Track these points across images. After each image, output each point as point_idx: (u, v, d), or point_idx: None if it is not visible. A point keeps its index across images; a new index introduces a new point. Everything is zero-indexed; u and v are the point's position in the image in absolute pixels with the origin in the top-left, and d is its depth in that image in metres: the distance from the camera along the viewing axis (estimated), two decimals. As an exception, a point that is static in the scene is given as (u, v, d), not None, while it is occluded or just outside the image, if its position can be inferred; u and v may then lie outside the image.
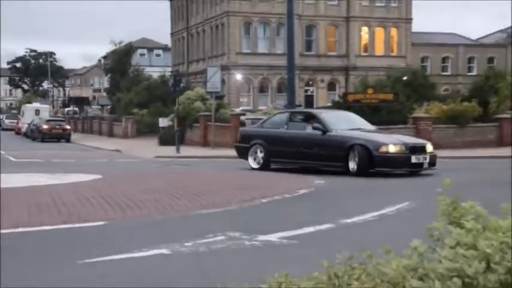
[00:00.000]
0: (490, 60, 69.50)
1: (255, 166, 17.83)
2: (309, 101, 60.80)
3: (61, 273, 5.88)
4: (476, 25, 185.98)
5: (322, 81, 63.99)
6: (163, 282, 5.26)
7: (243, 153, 18.60)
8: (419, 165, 16.04)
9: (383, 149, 15.68)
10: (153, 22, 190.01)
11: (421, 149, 16.31)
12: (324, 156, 16.69)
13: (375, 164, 15.66)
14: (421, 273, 2.37)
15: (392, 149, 15.81)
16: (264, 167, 17.54)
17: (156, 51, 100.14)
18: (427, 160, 16.09)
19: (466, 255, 2.34)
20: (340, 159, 16.10)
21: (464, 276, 2.22)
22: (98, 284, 5.43)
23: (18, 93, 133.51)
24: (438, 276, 2.26)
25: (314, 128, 17.09)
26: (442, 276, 2.26)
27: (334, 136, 16.63)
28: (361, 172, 15.47)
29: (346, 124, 17.73)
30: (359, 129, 17.41)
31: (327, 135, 16.65)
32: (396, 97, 32.36)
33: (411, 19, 66.41)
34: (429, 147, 16.65)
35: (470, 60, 70.83)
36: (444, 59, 70.13)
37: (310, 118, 18.12)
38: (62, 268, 6.08)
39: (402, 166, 16.01)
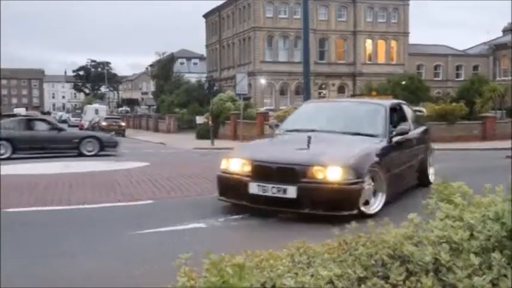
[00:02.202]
0: (475, 67, 68.55)
1: None
2: (322, 102, 60.43)
3: (117, 242, 5.97)
4: (463, 38, 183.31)
5: (333, 85, 63.66)
6: (201, 250, 5.31)
7: None
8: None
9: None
10: (191, 36, 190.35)
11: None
12: None
13: None
14: (416, 240, 2.38)
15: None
16: None
17: (193, 60, 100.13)
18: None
19: (454, 225, 2.36)
20: None
21: (451, 242, 2.23)
22: (148, 251, 5.51)
23: (81, 96, 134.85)
24: (430, 243, 2.27)
25: None
26: (433, 242, 2.27)
27: None
28: None
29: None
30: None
31: None
32: (396, 98, 32.10)
33: (408, 33, 65.77)
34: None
35: (458, 67, 69.93)
36: (436, 67, 69.33)
37: None
38: (117, 238, 6.17)
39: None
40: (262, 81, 59.58)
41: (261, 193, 6.95)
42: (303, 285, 2.07)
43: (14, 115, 63.17)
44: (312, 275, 2.15)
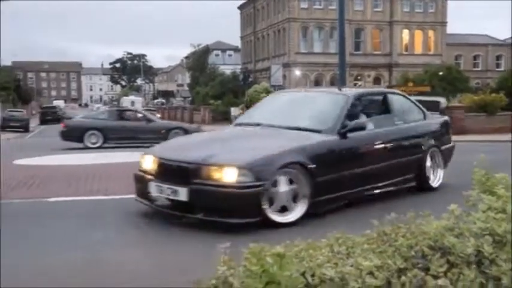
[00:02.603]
0: (516, 57, 66.98)
1: None
2: (357, 93, 59.95)
3: (158, 234, 6.04)
4: (503, 27, 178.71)
5: (368, 76, 63.03)
6: (240, 241, 5.35)
7: None
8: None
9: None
10: (226, 28, 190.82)
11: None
12: None
13: None
14: (457, 232, 2.35)
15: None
16: None
17: (228, 52, 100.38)
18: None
19: (496, 217, 2.32)
20: None
21: (494, 235, 2.20)
22: (188, 238, 5.55)
23: (118, 88, 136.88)
24: (472, 234, 2.24)
25: None
26: (475, 234, 2.24)
27: None
28: None
29: None
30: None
31: None
32: (433, 89, 31.62)
33: (446, 22, 64.54)
34: None
35: (498, 57, 68.43)
36: (475, 57, 67.98)
37: None
38: (158, 227, 6.23)
39: None
40: (297, 72, 59.39)
41: (158, 194, 6.27)
42: (343, 275, 2.07)
43: (54, 107, 64.38)
44: (352, 265, 2.15)
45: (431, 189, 8.23)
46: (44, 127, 47.00)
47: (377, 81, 62.83)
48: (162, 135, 19.60)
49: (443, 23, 64.33)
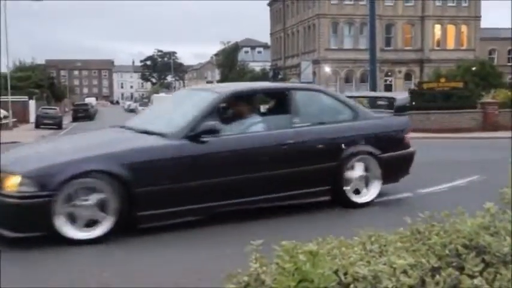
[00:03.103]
0: (553, 51, 65.39)
1: None
2: (388, 89, 59.37)
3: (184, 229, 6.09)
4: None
5: (399, 72, 62.34)
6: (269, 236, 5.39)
7: None
8: None
9: None
10: (256, 24, 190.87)
11: None
12: None
13: None
14: (493, 230, 2.32)
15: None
16: None
17: (258, 49, 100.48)
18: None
19: (534, 216, 2.27)
20: None
21: (532, 233, 2.16)
22: (217, 237, 5.58)
23: (148, 85, 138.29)
24: (508, 233, 2.21)
25: None
26: (512, 233, 2.20)
27: None
28: None
29: None
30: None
31: None
32: (466, 85, 31.11)
33: (480, 17, 63.38)
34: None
35: (533, 51, 66.91)
36: (510, 51, 66.56)
37: None
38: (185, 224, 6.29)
39: None
40: (327, 69, 59.06)
41: None
42: (376, 274, 2.06)
43: (86, 104, 65.36)
44: (385, 264, 2.14)
45: (355, 205, 6.88)
46: (76, 124, 47.80)
47: (408, 77, 62.11)
48: None
49: (477, 17, 63.18)
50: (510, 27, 69.35)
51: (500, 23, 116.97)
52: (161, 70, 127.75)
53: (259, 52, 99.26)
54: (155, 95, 70.77)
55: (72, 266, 4.72)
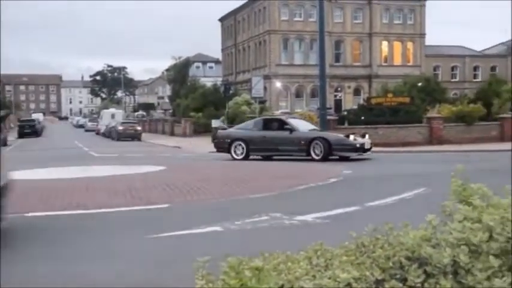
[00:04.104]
0: (493, 68, 68.08)
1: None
2: (338, 104, 60.41)
3: (134, 246, 6.00)
4: (480, 38, 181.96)
5: (349, 87, 63.54)
6: (218, 253, 5.33)
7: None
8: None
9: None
10: (207, 40, 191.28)
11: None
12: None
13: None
14: (434, 242, 2.37)
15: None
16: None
17: (209, 64, 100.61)
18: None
19: (472, 227, 2.34)
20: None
21: (470, 245, 2.22)
22: (165, 254, 5.53)
23: (98, 101, 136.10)
24: (449, 245, 2.26)
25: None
26: (452, 244, 2.26)
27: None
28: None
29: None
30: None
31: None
32: (412, 100, 31.94)
33: (425, 34, 65.45)
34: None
35: (475, 68, 69.51)
36: (453, 68, 68.93)
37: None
38: (134, 242, 6.20)
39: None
40: (278, 84, 59.62)
41: None
42: (321, 288, 2.07)
43: (33, 120, 63.42)
44: (330, 278, 2.16)
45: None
46: (22, 141, 46.41)
47: (357, 92, 63.37)
48: (304, 146, 18.42)
49: (422, 35, 65.23)
50: (453, 45, 71.89)
51: (444, 40, 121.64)
52: (111, 85, 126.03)
53: (211, 67, 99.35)
54: (105, 110, 69.81)
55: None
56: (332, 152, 18.03)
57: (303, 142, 18.45)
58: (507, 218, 2.35)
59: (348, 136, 18.69)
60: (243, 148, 19.54)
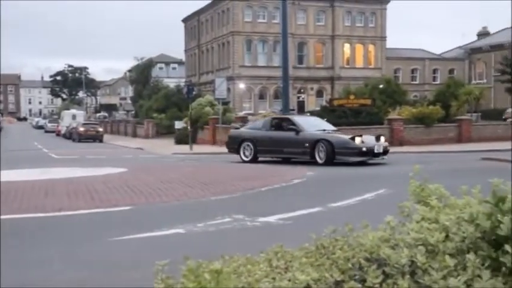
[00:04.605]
0: (451, 71, 69.66)
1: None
2: (301, 105, 60.80)
3: (94, 249, 5.91)
4: (439, 42, 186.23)
5: (311, 89, 64.01)
6: (180, 255, 5.28)
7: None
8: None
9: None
10: (170, 40, 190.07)
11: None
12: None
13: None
14: (393, 243, 2.39)
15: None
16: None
17: (172, 65, 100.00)
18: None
19: (430, 227, 2.37)
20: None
21: (427, 245, 2.25)
22: (126, 257, 5.46)
23: (58, 101, 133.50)
24: (406, 245, 2.29)
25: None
26: (409, 245, 2.28)
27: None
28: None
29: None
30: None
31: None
32: (373, 102, 32.41)
33: (385, 37, 66.48)
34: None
35: (434, 71, 70.97)
36: (413, 70, 70.21)
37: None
38: (96, 244, 6.11)
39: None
40: (241, 85, 59.65)
41: None
42: (280, 290, 2.07)
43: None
44: (290, 280, 2.16)
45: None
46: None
47: (320, 94, 63.91)
48: (306, 149, 16.92)
49: (383, 38, 66.22)
50: (414, 48, 73.24)
51: (404, 44, 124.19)
52: (72, 86, 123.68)
53: (174, 68, 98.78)
54: (65, 111, 68.54)
55: None
56: (335, 156, 16.39)
57: (307, 144, 16.84)
58: (462, 218, 2.40)
59: (353, 138, 16.67)
60: (251, 149, 18.30)
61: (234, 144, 18.94)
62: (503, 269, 2.05)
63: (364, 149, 16.49)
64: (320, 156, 16.61)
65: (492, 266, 2.08)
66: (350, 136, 17.08)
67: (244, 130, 19.91)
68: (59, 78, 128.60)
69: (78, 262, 5.35)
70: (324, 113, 36.12)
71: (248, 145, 18.37)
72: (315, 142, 16.73)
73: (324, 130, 18.02)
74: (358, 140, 16.59)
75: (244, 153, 18.48)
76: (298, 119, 18.80)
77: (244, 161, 18.11)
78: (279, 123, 18.49)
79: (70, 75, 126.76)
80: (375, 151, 16.77)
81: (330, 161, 16.35)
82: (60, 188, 10.70)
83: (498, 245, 2.15)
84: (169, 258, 2.41)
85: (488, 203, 2.35)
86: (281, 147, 17.66)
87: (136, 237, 6.34)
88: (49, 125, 71.17)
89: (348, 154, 16.43)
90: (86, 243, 6.19)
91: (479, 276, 2.01)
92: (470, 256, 2.10)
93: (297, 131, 17.40)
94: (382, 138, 17.63)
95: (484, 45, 67.48)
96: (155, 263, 2.33)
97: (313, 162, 16.67)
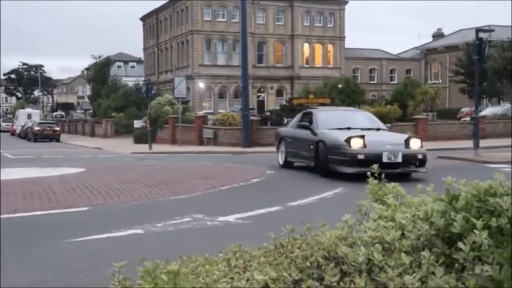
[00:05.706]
0: (408, 71, 71.09)
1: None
2: (261, 105, 60.96)
3: (50, 251, 5.78)
4: (396, 42, 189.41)
5: (271, 88, 64.27)
6: (138, 256, 5.22)
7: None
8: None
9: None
10: (128, 39, 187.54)
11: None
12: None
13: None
14: (350, 241, 2.42)
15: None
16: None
17: (131, 64, 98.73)
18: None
19: (386, 226, 2.41)
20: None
21: (384, 243, 2.28)
22: (83, 259, 5.36)
23: (13, 100, 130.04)
24: (364, 243, 2.31)
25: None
26: (366, 243, 2.31)
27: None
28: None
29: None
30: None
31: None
32: (332, 101, 32.72)
33: (344, 37, 67.28)
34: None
35: (392, 71, 72.27)
36: (371, 70, 71.34)
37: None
38: (52, 246, 5.97)
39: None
40: (201, 84, 59.41)
41: None
42: (238, 290, 2.06)
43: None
44: (248, 280, 2.15)
45: None
46: None
47: (279, 93, 64.24)
48: (311, 152, 13.12)
49: (342, 38, 67.00)
50: (372, 48, 74.36)
51: (362, 44, 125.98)
52: (27, 84, 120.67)
53: (133, 67, 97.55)
54: (20, 110, 66.93)
55: None
56: (328, 164, 12.21)
57: (312, 147, 13.05)
58: (418, 216, 2.44)
59: (348, 141, 11.80)
60: (282, 152, 15.10)
61: (276, 144, 15.75)
62: (456, 265, 2.10)
63: (360, 156, 11.44)
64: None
65: (446, 263, 2.13)
66: (406, 136, 12.71)
67: (285, 128, 16.55)
68: (13, 76, 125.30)
69: (33, 265, 5.22)
70: (283, 112, 36.31)
71: (283, 145, 15.06)
72: (316, 143, 12.88)
73: (369, 129, 13.13)
74: (355, 142, 11.75)
75: (280, 156, 15.22)
76: (318, 114, 14.17)
77: (281, 166, 15.03)
78: (305, 119, 14.55)
79: (25, 73, 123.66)
80: (385, 160, 11.25)
81: (323, 170, 12.40)
82: (15, 189, 10.43)
83: (452, 242, 2.20)
84: (127, 259, 2.37)
85: (443, 201, 2.40)
86: (298, 150, 14.15)
87: (94, 238, 6.23)
88: (3, 124, 69.40)
89: (337, 162, 11.90)
90: (41, 245, 6.04)
91: (433, 273, 2.05)
92: (425, 253, 2.14)
93: (312, 130, 13.44)
94: (415, 142, 12.38)
95: (439, 46, 69.15)
96: (112, 265, 2.29)
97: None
